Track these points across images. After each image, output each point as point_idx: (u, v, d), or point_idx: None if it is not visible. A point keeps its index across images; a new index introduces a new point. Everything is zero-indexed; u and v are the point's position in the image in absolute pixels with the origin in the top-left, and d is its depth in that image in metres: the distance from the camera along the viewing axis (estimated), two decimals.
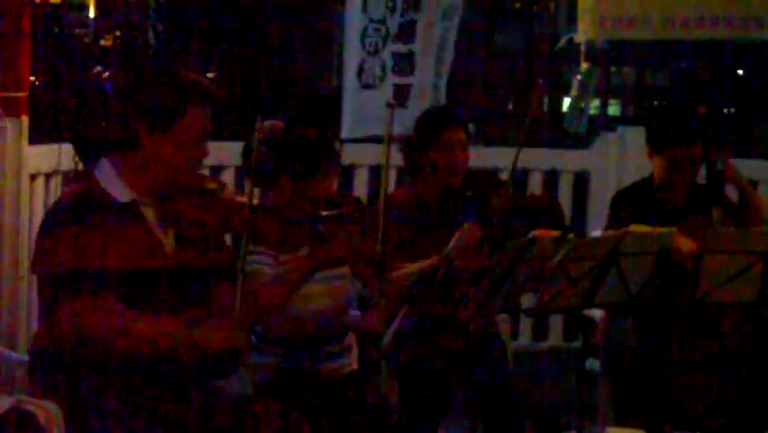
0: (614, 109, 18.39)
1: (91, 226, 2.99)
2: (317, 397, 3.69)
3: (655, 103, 18.01)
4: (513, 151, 3.97)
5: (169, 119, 3.06)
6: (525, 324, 5.98)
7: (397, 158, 5.00)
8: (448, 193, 4.23)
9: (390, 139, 3.50)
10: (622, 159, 5.92)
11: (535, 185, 5.96)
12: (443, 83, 5.77)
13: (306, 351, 3.77)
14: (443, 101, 5.69)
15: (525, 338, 5.99)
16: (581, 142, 6.48)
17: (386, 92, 5.74)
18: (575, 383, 4.65)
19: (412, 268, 3.91)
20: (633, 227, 3.53)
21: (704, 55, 15.79)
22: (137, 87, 3.14)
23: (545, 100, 17.59)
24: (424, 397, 4.01)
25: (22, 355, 3.84)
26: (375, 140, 5.85)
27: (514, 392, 4.11)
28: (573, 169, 6.08)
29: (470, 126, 4.48)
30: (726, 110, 16.41)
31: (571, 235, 3.44)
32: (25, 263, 4.75)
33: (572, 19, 6.32)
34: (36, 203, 4.90)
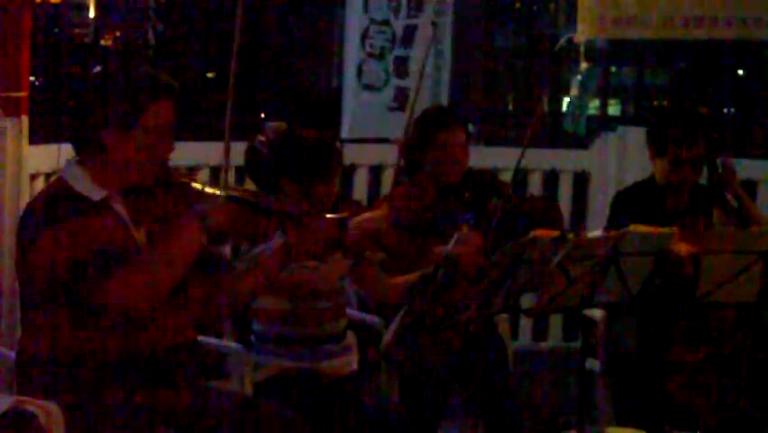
0: (614, 109, 18.41)
1: (72, 223, 2.99)
2: (317, 397, 3.69)
3: (655, 103, 18.02)
4: (513, 151, 3.98)
5: (131, 118, 3.06)
6: (525, 324, 5.98)
7: (396, 158, 5.02)
8: (447, 193, 4.24)
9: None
10: (622, 159, 5.91)
11: (535, 185, 5.96)
12: (444, 82, 5.77)
13: (307, 349, 3.77)
14: (444, 101, 5.69)
15: (525, 338, 5.99)
16: (581, 142, 6.48)
17: (388, 95, 5.75)
18: (575, 383, 4.65)
19: (412, 277, 3.91)
20: (633, 227, 3.52)
21: (704, 55, 15.80)
22: (96, 89, 3.13)
23: (545, 100, 17.61)
24: (424, 397, 4.01)
25: None
26: (375, 140, 5.86)
27: (514, 392, 4.11)
28: (573, 169, 6.08)
29: (470, 126, 4.48)
30: (726, 110, 16.42)
31: (570, 235, 3.44)
32: None
33: (572, 19, 6.32)
34: None
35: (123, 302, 2.97)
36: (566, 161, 6.12)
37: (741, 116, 16.16)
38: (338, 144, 4.26)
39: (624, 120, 16.16)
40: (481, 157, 5.20)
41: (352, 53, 5.81)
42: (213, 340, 3.86)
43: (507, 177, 5.33)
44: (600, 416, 4.46)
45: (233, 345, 3.85)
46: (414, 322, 3.92)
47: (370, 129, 5.77)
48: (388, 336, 3.62)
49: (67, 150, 3.31)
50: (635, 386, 4.24)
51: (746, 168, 5.89)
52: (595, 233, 4.42)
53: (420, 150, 4.24)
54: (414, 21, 5.73)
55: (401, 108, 5.73)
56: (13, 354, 3.29)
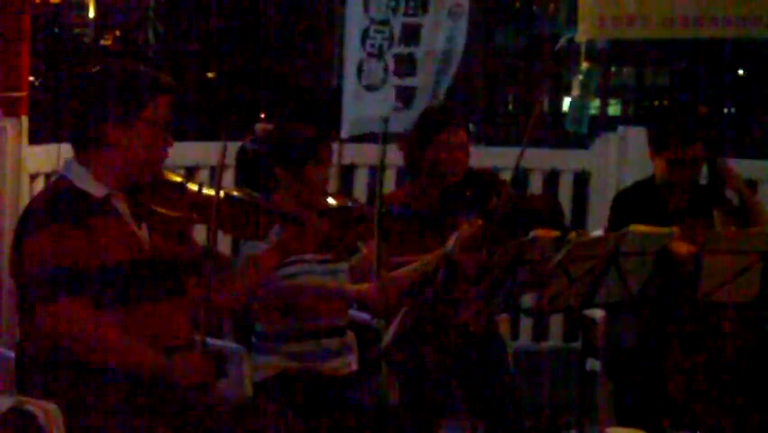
0: (614, 109, 18.41)
1: (71, 224, 3.00)
2: (317, 397, 3.69)
3: (656, 103, 18.02)
4: (513, 151, 3.97)
5: (131, 113, 3.09)
6: (525, 324, 5.98)
7: (397, 158, 5.01)
8: (447, 193, 4.23)
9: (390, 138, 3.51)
10: (622, 159, 5.91)
11: (535, 185, 5.95)
12: (444, 84, 5.76)
13: (307, 346, 3.77)
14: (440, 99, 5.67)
15: (525, 338, 5.98)
16: (581, 142, 6.47)
17: (388, 94, 5.74)
18: (575, 383, 4.65)
19: (410, 268, 3.91)
20: (633, 227, 3.53)
21: (704, 55, 15.80)
22: (96, 84, 3.15)
23: (545, 100, 17.60)
24: (424, 397, 4.01)
25: None
26: (375, 140, 5.85)
27: (514, 392, 4.11)
28: (573, 169, 6.07)
29: (470, 126, 4.48)
30: (726, 110, 16.42)
31: (572, 234, 3.45)
32: None
33: (572, 19, 6.31)
34: None
35: (48, 327, 2.97)
36: (566, 161, 6.12)
37: (741, 116, 16.16)
38: (336, 143, 4.26)
39: (624, 120, 16.14)
40: (481, 157, 5.19)
41: (352, 53, 5.80)
42: (213, 340, 3.86)
43: (507, 177, 5.33)
44: (600, 416, 4.46)
45: (233, 345, 3.85)
46: (414, 322, 3.93)
47: (369, 125, 5.77)
48: (388, 336, 3.62)
49: (67, 150, 3.32)
50: (635, 386, 4.24)
51: (746, 168, 5.90)
52: (595, 233, 4.42)
53: (421, 149, 4.24)
54: (414, 19, 5.72)
55: (405, 108, 5.74)
56: (13, 354, 3.29)
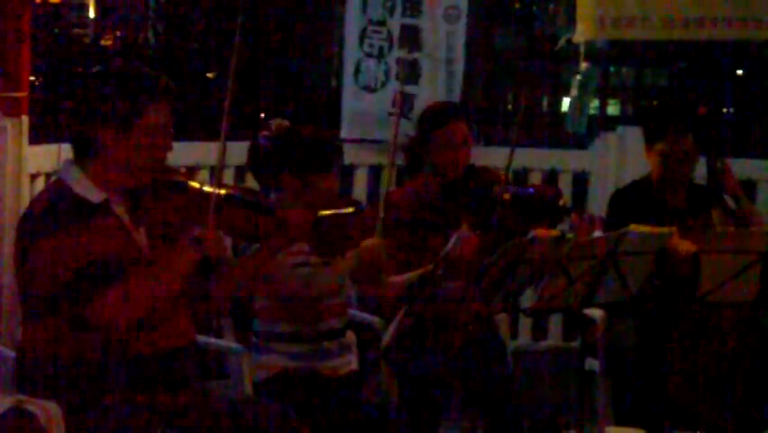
0: (614, 109, 18.42)
1: (73, 228, 2.99)
2: (317, 397, 3.69)
3: (654, 103, 18.03)
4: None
5: (129, 120, 3.07)
6: (525, 324, 5.98)
7: (397, 158, 5.00)
8: (450, 188, 4.24)
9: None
10: (622, 159, 5.91)
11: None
12: (456, 92, 5.75)
13: (307, 347, 3.77)
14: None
15: (524, 338, 5.98)
16: (581, 142, 6.48)
17: (387, 97, 5.74)
18: (574, 383, 4.65)
19: (411, 275, 3.91)
20: (632, 227, 3.53)
21: (704, 55, 15.81)
22: (94, 88, 3.13)
23: (545, 100, 17.62)
24: (424, 397, 4.01)
25: None
26: (375, 140, 5.85)
27: (513, 392, 4.11)
28: (573, 169, 6.08)
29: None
30: (725, 110, 16.43)
31: (570, 235, 3.45)
32: None
33: (572, 19, 6.32)
34: None
35: (104, 320, 2.98)
36: (566, 161, 6.12)
37: (741, 116, 16.16)
38: (339, 142, 4.26)
39: (623, 120, 16.16)
40: (481, 157, 5.19)
41: (350, 53, 5.81)
42: (213, 340, 3.86)
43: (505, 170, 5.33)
44: (600, 416, 4.45)
45: (233, 345, 3.85)
46: (414, 322, 3.93)
47: (368, 130, 5.76)
48: (387, 336, 3.62)
49: (67, 150, 3.31)
50: (635, 386, 4.24)
51: (746, 168, 5.90)
52: (595, 233, 4.42)
53: (422, 146, 4.24)
54: (411, 21, 5.71)
55: (404, 116, 5.72)
56: (13, 354, 3.29)
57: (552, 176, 6.03)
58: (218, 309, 3.58)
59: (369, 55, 5.74)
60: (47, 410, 2.92)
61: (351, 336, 3.93)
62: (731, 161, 4.56)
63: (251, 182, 5.49)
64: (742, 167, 5.87)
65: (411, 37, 5.72)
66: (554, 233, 3.45)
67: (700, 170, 4.54)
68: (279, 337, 3.77)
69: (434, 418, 4.07)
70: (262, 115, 13.29)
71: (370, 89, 5.76)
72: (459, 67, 5.79)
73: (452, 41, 5.77)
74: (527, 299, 3.67)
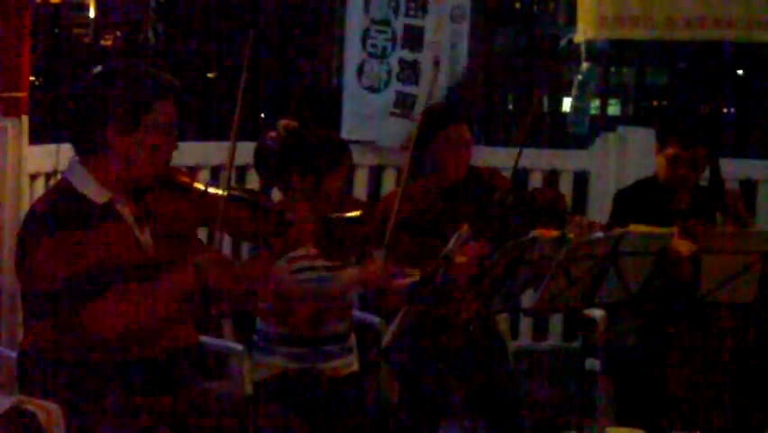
0: (614, 109, 18.40)
1: (75, 230, 2.99)
2: (317, 397, 3.69)
3: (655, 103, 18.01)
4: (513, 151, 3.97)
5: (135, 118, 3.06)
6: (525, 324, 5.98)
7: (397, 158, 5.01)
8: (451, 190, 4.23)
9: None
10: (622, 159, 5.91)
11: (535, 185, 5.96)
12: (457, 90, 5.75)
13: (309, 350, 3.76)
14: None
15: (525, 338, 5.99)
16: (581, 142, 6.47)
17: (388, 97, 5.73)
18: (575, 383, 4.65)
19: (412, 277, 3.90)
20: (632, 227, 3.53)
21: (704, 55, 15.79)
22: (98, 88, 3.11)
23: (545, 100, 17.60)
24: (424, 397, 4.01)
25: None
26: (376, 140, 5.85)
27: (513, 392, 4.11)
28: (573, 169, 6.08)
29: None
30: (726, 110, 16.42)
31: (570, 235, 3.45)
32: None
33: (572, 19, 6.32)
34: None
35: (95, 328, 2.97)
36: (566, 161, 6.12)
37: (741, 116, 16.14)
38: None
39: (624, 120, 16.14)
40: (481, 157, 5.19)
41: (352, 53, 5.80)
42: (213, 340, 3.86)
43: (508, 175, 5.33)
44: (600, 416, 4.46)
45: (233, 345, 3.85)
46: (414, 322, 3.93)
47: (368, 132, 5.76)
48: (388, 336, 3.62)
49: (67, 150, 3.31)
50: (635, 386, 4.24)
51: (746, 168, 5.90)
52: (595, 233, 4.42)
53: (424, 147, 4.24)
54: (415, 21, 5.71)
55: (404, 115, 5.72)
56: (13, 354, 3.29)
57: (552, 176, 6.03)
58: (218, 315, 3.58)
59: (371, 55, 5.74)
60: (47, 410, 2.92)
61: (351, 337, 3.93)
62: (731, 161, 4.56)
63: (251, 182, 5.51)
64: (742, 167, 5.88)
65: (414, 37, 5.72)
66: (554, 233, 3.45)
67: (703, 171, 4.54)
68: (281, 339, 3.77)
69: (434, 418, 4.07)
70: (262, 115, 13.28)
71: (372, 90, 5.75)
72: (460, 67, 5.79)
73: (457, 41, 5.76)
74: (528, 299, 3.67)
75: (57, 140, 4.66)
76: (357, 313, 4.11)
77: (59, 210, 3.03)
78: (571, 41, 6.27)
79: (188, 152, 5.26)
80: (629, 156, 5.82)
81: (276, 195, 4.64)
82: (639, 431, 3.80)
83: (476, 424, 4.08)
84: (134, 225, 3.13)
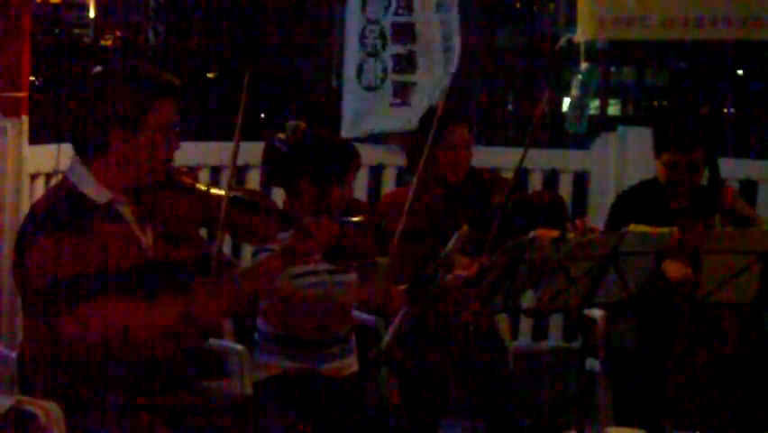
0: (614, 109, 18.38)
1: (73, 231, 2.98)
2: (317, 397, 3.69)
3: (655, 103, 18.00)
4: (513, 151, 3.98)
5: (136, 119, 3.05)
6: (525, 324, 5.98)
7: (397, 158, 5.01)
8: (449, 192, 4.23)
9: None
10: (622, 159, 5.91)
11: (535, 185, 5.95)
12: (447, 81, 5.74)
13: (310, 351, 3.76)
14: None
15: (525, 338, 5.98)
16: (581, 142, 6.47)
17: (387, 92, 5.74)
18: (575, 383, 4.65)
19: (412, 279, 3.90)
20: (632, 227, 3.53)
21: (704, 55, 15.79)
22: (99, 88, 3.11)
23: (545, 100, 17.59)
24: (424, 397, 4.01)
25: None
26: (375, 140, 5.85)
27: (513, 392, 4.11)
28: (573, 169, 6.08)
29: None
30: (726, 110, 16.42)
31: (570, 235, 3.44)
32: None
33: (572, 19, 6.31)
34: None
35: (79, 335, 2.94)
36: (566, 161, 6.12)
37: (741, 116, 16.14)
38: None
39: (624, 120, 16.14)
40: (481, 157, 5.19)
41: (351, 53, 5.80)
42: (213, 340, 3.86)
43: (507, 177, 5.32)
44: (600, 416, 4.46)
45: (233, 345, 3.85)
46: (414, 322, 3.93)
47: (370, 126, 5.76)
48: (388, 337, 3.62)
49: (67, 150, 3.31)
50: (635, 386, 4.24)
51: (746, 168, 5.90)
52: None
53: (423, 149, 4.23)
54: (402, 18, 5.71)
55: (405, 104, 5.73)
56: (13, 354, 3.29)
57: (552, 176, 6.03)
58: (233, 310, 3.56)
59: (368, 54, 5.74)
60: (47, 410, 2.92)
61: (351, 338, 3.93)
62: (731, 161, 4.56)
63: (251, 182, 5.51)
64: (742, 167, 5.88)
65: (403, 33, 5.71)
66: (554, 233, 3.45)
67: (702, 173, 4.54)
68: (281, 339, 3.77)
69: (434, 418, 4.07)
70: (262, 115, 13.29)
71: (370, 88, 5.76)
72: (455, 55, 5.76)
73: (447, 31, 5.75)
74: (527, 299, 3.67)
75: (57, 140, 4.66)
76: (357, 313, 4.11)
77: (59, 210, 3.03)
78: (570, 41, 6.25)
79: (187, 152, 5.25)
80: (629, 156, 5.81)
81: (276, 194, 4.64)
82: (639, 431, 3.80)
83: (476, 424, 4.07)
84: (135, 226, 3.13)
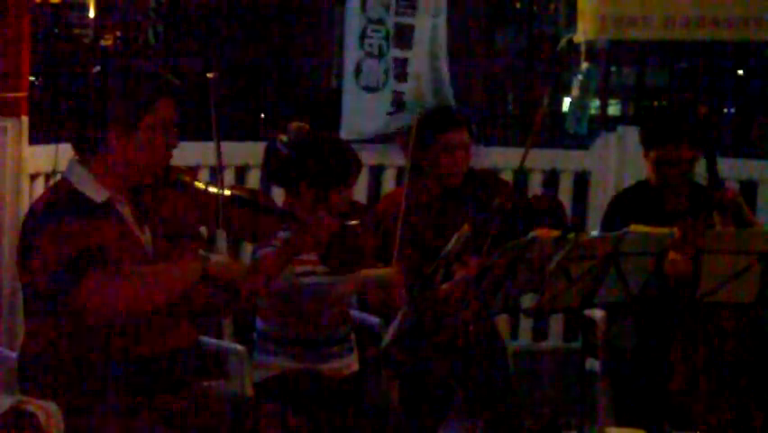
0: (614, 109, 18.39)
1: (72, 228, 2.98)
2: (317, 397, 3.69)
3: (655, 103, 18.02)
4: (513, 151, 3.98)
5: (135, 118, 3.06)
6: (525, 324, 5.98)
7: (397, 158, 5.00)
8: (448, 194, 4.23)
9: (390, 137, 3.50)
10: (622, 159, 5.91)
11: (535, 185, 5.96)
12: (446, 84, 5.72)
13: (309, 351, 3.76)
14: (450, 101, 5.61)
15: (525, 338, 5.99)
16: (581, 142, 6.47)
17: (387, 97, 5.72)
18: (575, 383, 4.65)
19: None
20: (633, 227, 3.53)
21: (704, 55, 15.79)
22: (98, 88, 3.12)
23: (546, 101, 17.59)
24: (424, 397, 4.01)
25: None
26: (375, 140, 5.85)
27: (513, 392, 4.11)
28: (573, 169, 6.08)
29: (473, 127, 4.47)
30: (726, 110, 16.42)
31: (571, 235, 3.44)
32: None
33: (572, 19, 6.31)
34: None
35: (93, 304, 2.93)
36: (566, 161, 6.12)
37: (741, 116, 16.14)
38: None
39: (624, 120, 16.15)
40: (481, 157, 5.19)
41: (351, 53, 5.80)
42: (213, 340, 3.86)
43: (507, 177, 5.33)
44: (600, 416, 4.46)
45: (233, 345, 3.85)
46: (414, 322, 3.93)
47: (368, 129, 5.75)
48: (388, 337, 3.62)
49: (66, 150, 3.31)
50: (635, 386, 4.24)
51: (746, 168, 5.90)
52: (595, 233, 4.42)
53: (422, 150, 4.24)
54: (406, 19, 5.70)
55: (400, 111, 5.72)
56: (13, 355, 3.29)
57: (552, 176, 6.03)
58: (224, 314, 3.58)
59: (369, 54, 5.73)
60: (47, 410, 2.92)
61: (351, 337, 3.93)
62: (731, 161, 4.55)
63: (251, 182, 5.51)
64: (742, 167, 5.88)
65: (404, 35, 5.70)
66: (554, 233, 3.45)
67: (701, 170, 4.54)
68: (281, 340, 3.77)
69: (434, 418, 4.07)
70: (262, 115, 13.29)
71: (370, 89, 5.75)
72: (442, 59, 5.74)
73: (436, 36, 5.73)
74: (528, 299, 3.67)
75: (57, 140, 4.66)
76: (357, 313, 4.11)
77: (57, 208, 3.03)
78: (571, 41, 6.25)
79: (187, 152, 5.26)
80: (629, 156, 5.82)
81: (276, 194, 4.64)
82: (639, 431, 3.80)
83: (476, 424, 4.08)
84: (134, 225, 3.13)
